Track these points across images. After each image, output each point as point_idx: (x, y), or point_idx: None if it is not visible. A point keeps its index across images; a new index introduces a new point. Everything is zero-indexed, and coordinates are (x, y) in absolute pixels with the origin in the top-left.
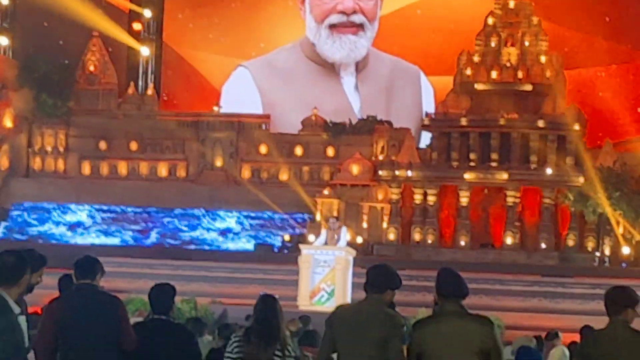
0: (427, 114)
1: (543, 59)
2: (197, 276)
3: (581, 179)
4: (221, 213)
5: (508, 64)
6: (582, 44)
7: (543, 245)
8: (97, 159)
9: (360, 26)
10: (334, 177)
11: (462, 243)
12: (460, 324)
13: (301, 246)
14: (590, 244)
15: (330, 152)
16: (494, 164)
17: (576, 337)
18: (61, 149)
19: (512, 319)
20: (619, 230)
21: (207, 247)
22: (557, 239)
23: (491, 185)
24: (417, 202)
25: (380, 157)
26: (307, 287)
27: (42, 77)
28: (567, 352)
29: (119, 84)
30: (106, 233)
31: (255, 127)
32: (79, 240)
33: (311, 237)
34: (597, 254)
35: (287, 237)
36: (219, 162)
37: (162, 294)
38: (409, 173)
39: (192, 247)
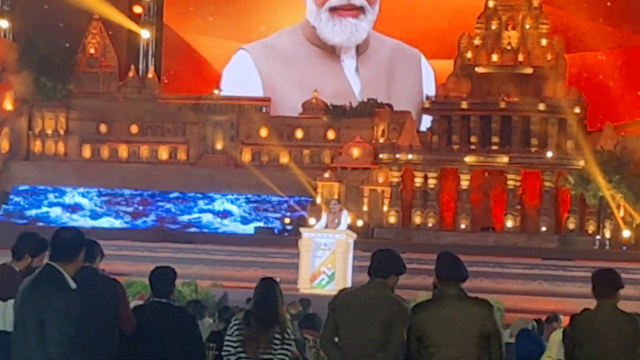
0: (427, 97)
1: (544, 42)
2: (197, 259)
3: (582, 162)
4: (220, 196)
5: (509, 47)
6: (583, 28)
7: (543, 229)
8: (97, 142)
9: (361, 9)
10: (334, 160)
11: (463, 226)
12: (460, 308)
13: (302, 229)
14: (590, 227)
15: (331, 135)
16: (494, 147)
17: None
18: (61, 132)
19: (512, 302)
20: (619, 214)
21: (206, 230)
22: (557, 222)
23: (492, 168)
24: (418, 185)
25: (381, 140)
26: (308, 271)
27: (43, 60)
28: None
29: (120, 67)
30: (106, 216)
31: (256, 110)
32: (79, 223)
33: (312, 220)
34: (598, 237)
35: (287, 220)
36: (219, 145)
37: (162, 277)
38: (410, 156)
39: (192, 230)
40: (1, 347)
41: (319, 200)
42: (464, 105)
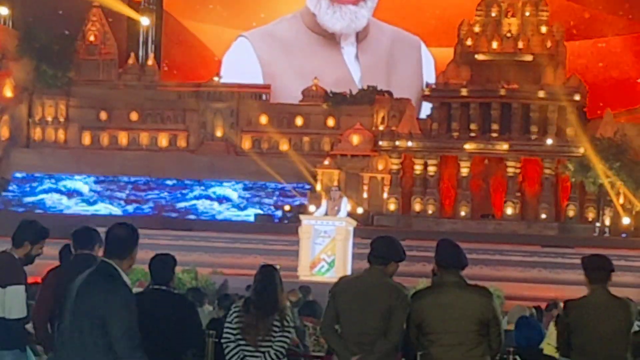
0: (427, 85)
1: (544, 29)
2: (197, 246)
3: (581, 150)
4: (217, 183)
5: (509, 34)
6: (582, 16)
7: (543, 216)
8: (97, 130)
9: None
10: (334, 148)
11: (463, 213)
12: (460, 295)
13: (301, 216)
14: (590, 215)
15: (331, 122)
16: (494, 135)
17: None
18: (61, 120)
19: (512, 289)
20: (619, 201)
21: (205, 218)
22: (557, 210)
23: (491, 155)
24: (418, 172)
25: (381, 128)
26: (308, 258)
27: (42, 48)
28: None
29: (120, 54)
30: (103, 202)
31: (256, 97)
32: (78, 210)
33: (312, 208)
34: (597, 224)
35: (287, 208)
36: (219, 133)
37: (162, 264)
38: (410, 143)
39: (191, 217)
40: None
41: (318, 187)
42: (464, 92)
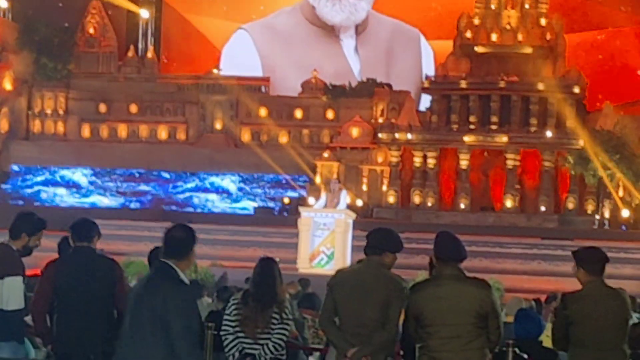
0: (427, 77)
1: (543, 21)
2: (197, 239)
3: (581, 142)
4: (215, 175)
5: (508, 27)
6: (581, 8)
7: (543, 208)
8: (97, 122)
9: None
10: (333, 140)
11: (462, 206)
12: (458, 288)
13: (301, 209)
14: (590, 207)
15: (330, 114)
16: (494, 127)
17: None
18: (61, 112)
19: (512, 281)
20: (618, 193)
21: (203, 210)
22: (556, 202)
23: (491, 148)
24: (417, 165)
25: (380, 120)
26: (307, 250)
27: (42, 40)
28: None
29: (119, 46)
30: (105, 195)
31: (255, 89)
32: (77, 202)
33: (311, 200)
34: (597, 216)
35: (286, 200)
36: (218, 125)
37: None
38: (409, 136)
39: (190, 209)
40: None
41: (318, 179)
42: (463, 84)
